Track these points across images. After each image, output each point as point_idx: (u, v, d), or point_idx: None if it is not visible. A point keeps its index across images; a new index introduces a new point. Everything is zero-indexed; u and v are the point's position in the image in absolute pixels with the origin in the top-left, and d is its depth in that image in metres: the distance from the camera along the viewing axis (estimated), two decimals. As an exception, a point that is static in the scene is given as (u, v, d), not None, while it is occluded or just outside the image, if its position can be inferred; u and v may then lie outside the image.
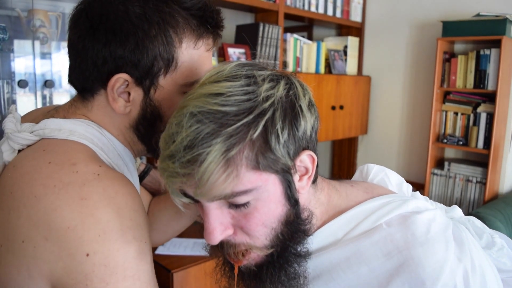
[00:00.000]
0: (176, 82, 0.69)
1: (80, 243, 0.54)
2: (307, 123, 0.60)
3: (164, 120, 0.71)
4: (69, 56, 0.69)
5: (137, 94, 0.68)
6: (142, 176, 0.99)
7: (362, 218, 0.68)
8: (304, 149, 0.61)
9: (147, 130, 0.71)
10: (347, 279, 0.66)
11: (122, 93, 0.67)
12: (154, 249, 2.05)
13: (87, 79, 0.67)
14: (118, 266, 0.56)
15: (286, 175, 0.60)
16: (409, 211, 0.67)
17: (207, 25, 0.70)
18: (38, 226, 0.55)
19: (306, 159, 0.62)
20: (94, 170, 0.59)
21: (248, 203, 0.58)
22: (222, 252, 0.65)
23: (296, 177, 0.62)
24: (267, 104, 0.56)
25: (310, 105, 0.62)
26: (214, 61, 2.18)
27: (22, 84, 1.72)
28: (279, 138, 0.56)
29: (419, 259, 0.61)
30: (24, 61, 1.77)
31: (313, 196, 0.68)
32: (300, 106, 0.60)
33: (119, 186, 0.59)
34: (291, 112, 0.58)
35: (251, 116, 0.55)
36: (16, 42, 1.75)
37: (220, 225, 0.60)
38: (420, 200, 0.71)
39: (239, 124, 0.54)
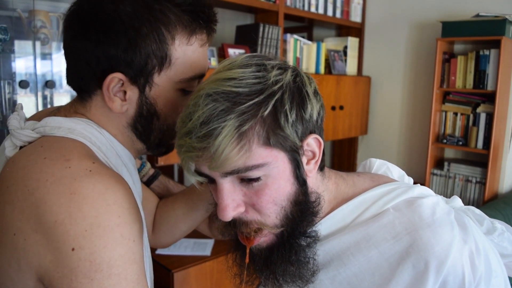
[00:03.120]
0: (171, 79, 0.69)
1: (67, 237, 0.55)
2: (313, 108, 0.64)
3: (161, 117, 0.71)
4: (65, 57, 0.70)
5: (132, 92, 0.68)
6: (150, 181, 1.00)
7: (369, 203, 0.71)
8: (311, 132, 0.64)
9: (145, 128, 0.72)
10: (357, 264, 0.68)
11: (118, 92, 0.68)
12: (155, 249, 2.05)
13: (83, 79, 0.68)
14: (103, 263, 0.56)
15: (294, 154, 0.63)
16: (414, 196, 0.71)
17: (199, 20, 0.70)
18: (29, 219, 0.56)
19: (312, 143, 0.65)
20: (87, 166, 0.59)
21: (259, 178, 0.61)
22: (235, 230, 0.67)
23: (304, 160, 0.65)
24: (276, 87, 0.60)
25: (316, 92, 0.67)
26: (214, 61, 2.19)
27: (23, 84, 1.73)
28: (288, 117, 0.60)
29: (427, 239, 0.64)
30: (24, 61, 1.78)
31: (321, 183, 0.71)
32: (306, 91, 0.64)
33: (110, 183, 0.59)
34: (298, 96, 0.63)
35: (262, 96, 0.59)
36: (17, 43, 1.75)
37: (232, 201, 0.63)
38: (423, 187, 0.74)
39: (251, 102, 0.58)
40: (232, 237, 0.71)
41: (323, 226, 0.71)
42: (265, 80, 0.60)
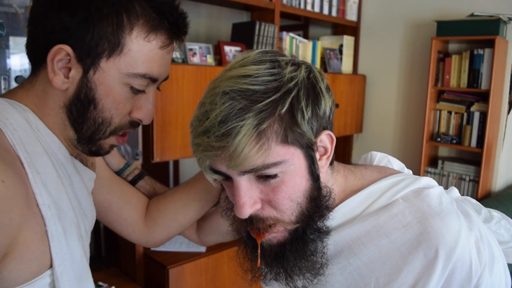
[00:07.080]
0: (118, 69, 0.67)
1: None
2: (326, 104, 0.65)
3: (98, 107, 0.69)
4: (27, 26, 0.69)
5: (76, 72, 0.67)
6: (135, 180, 1.00)
7: (378, 194, 0.72)
8: (324, 128, 0.65)
9: (80, 114, 0.69)
10: (368, 253, 0.69)
11: (63, 68, 0.67)
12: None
13: (37, 48, 0.68)
14: None
15: (309, 150, 0.64)
16: (421, 187, 0.72)
17: (164, 20, 0.69)
18: None
19: (325, 139, 0.66)
20: None
21: (276, 175, 0.62)
22: (251, 226, 0.67)
23: (317, 156, 0.66)
24: (291, 84, 0.61)
25: (328, 88, 0.67)
26: (210, 58, 2.19)
27: (19, 80, 1.72)
28: (304, 114, 0.61)
29: (438, 227, 0.66)
30: (19, 58, 1.77)
31: (330, 177, 0.72)
32: (320, 87, 0.64)
33: None
34: (313, 92, 0.63)
35: (278, 94, 0.59)
36: (12, 39, 1.74)
37: (249, 199, 0.63)
38: (428, 178, 0.76)
39: (268, 100, 0.58)
40: (244, 233, 0.72)
41: (333, 217, 0.72)
42: (280, 77, 0.60)
